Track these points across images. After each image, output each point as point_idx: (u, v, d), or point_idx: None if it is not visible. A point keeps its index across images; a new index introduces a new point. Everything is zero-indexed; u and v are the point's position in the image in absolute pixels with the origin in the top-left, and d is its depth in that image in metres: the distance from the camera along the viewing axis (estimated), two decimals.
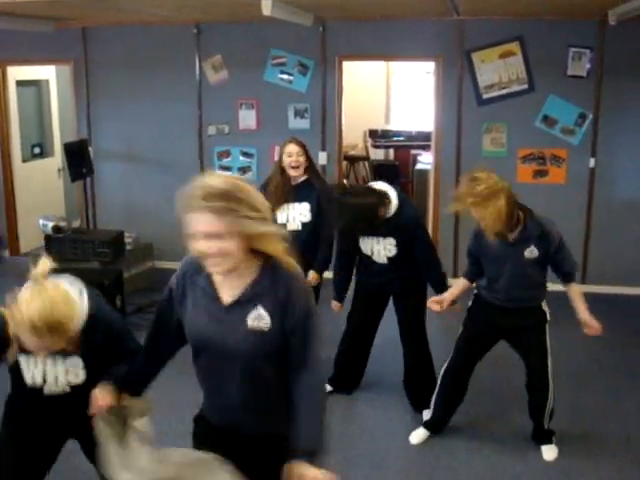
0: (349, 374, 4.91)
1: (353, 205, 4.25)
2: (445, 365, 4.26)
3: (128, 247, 6.77)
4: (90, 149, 7.54)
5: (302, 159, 4.75)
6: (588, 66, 6.67)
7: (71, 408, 2.68)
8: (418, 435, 4.35)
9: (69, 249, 6.07)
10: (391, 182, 4.48)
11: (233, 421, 2.37)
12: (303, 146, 4.82)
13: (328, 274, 4.90)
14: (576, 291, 3.94)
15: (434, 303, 4.09)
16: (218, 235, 2.09)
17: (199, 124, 7.55)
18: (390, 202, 4.27)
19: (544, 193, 6.84)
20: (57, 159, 8.91)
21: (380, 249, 4.43)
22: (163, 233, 7.19)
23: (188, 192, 2.10)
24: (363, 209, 4.25)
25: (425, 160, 9.18)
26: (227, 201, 2.07)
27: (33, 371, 2.64)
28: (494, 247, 3.90)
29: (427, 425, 4.38)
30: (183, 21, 7.18)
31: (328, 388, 4.91)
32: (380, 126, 11.11)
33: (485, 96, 6.92)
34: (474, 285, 4.18)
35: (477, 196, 3.64)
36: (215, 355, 2.29)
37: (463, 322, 4.23)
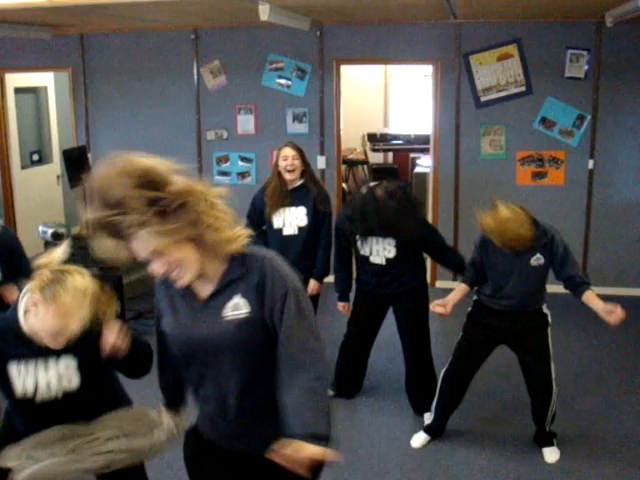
0: (350, 378, 4.90)
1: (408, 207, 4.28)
2: (444, 369, 4.25)
3: None
4: (89, 155, 7.56)
5: (297, 162, 4.76)
6: (586, 68, 6.68)
7: (65, 413, 2.60)
8: (419, 439, 4.35)
9: (68, 255, 6.06)
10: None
11: (231, 435, 2.27)
12: (299, 150, 4.83)
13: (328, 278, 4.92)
14: (591, 296, 3.84)
15: (438, 306, 4.09)
16: (159, 253, 1.98)
17: (198, 129, 7.55)
18: None
19: (543, 195, 6.86)
20: (56, 166, 8.91)
21: (379, 249, 4.44)
22: None
23: None
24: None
25: (424, 163, 9.17)
26: None
27: (24, 378, 2.54)
28: (500, 257, 3.91)
29: (428, 429, 4.37)
30: (181, 27, 7.19)
31: (329, 393, 4.92)
32: (379, 130, 11.11)
33: (483, 99, 6.92)
34: (474, 290, 4.19)
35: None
36: (202, 357, 2.19)
37: (463, 327, 4.23)
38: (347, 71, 7.58)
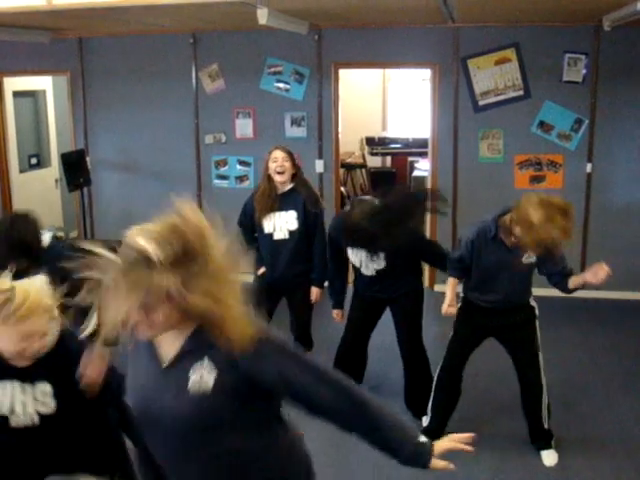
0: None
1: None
2: (438, 371, 4.27)
3: None
4: (87, 159, 7.56)
5: (287, 164, 4.74)
6: (584, 72, 6.69)
7: (41, 444, 2.49)
8: None
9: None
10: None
11: None
12: (289, 153, 4.81)
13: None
14: (575, 277, 3.86)
15: (450, 307, 4.12)
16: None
17: (196, 133, 7.55)
18: None
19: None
20: (54, 169, 8.91)
21: (368, 262, 4.43)
22: None
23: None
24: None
25: (422, 167, 9.19)
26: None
27: (0, 398, 2.45)
28: (493, 257, 3.92)
29: (426, 432, 4.37)
30: (179, 30, 7.20)
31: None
32: (377, 133, 11.12)
33: (481, 103, 6.93)
34: (461, 289, 4.21)
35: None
36: (158, 428, 1.91)
37: (454, 326, 4.25)
38: (345, 75, 7.59)
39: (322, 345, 5.16)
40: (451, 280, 4.18)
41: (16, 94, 8.22)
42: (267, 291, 4.71)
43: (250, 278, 4.77)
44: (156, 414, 1.88)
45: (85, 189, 7.58)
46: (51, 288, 2.43)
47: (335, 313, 4.80)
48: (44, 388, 2.46)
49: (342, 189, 9.10)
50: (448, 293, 4.14)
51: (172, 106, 7.54)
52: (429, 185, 7.40)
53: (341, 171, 8.92)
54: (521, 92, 6.85)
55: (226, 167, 7.54)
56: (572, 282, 3.85)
